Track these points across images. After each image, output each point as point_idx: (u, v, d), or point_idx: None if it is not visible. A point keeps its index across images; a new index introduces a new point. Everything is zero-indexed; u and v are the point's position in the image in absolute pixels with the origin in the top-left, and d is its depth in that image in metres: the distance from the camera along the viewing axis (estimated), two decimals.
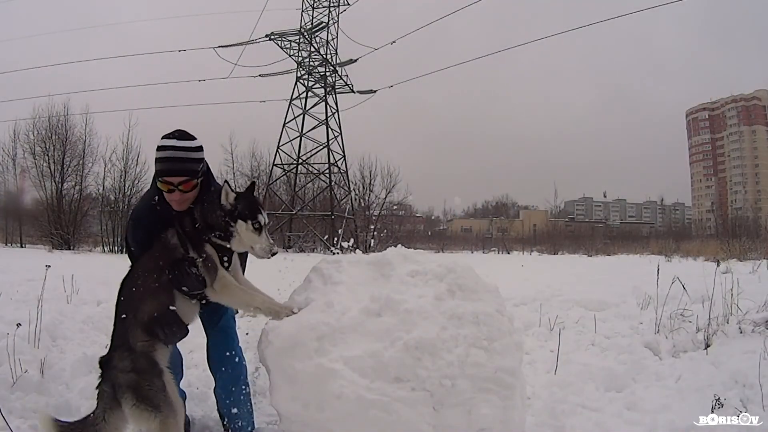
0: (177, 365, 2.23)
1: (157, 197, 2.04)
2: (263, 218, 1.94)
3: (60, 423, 1.84)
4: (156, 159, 1.95)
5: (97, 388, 1.90)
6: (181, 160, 1.93)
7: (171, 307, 1.89)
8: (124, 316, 1.90)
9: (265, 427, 2.46)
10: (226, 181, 1.95)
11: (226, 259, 1.99)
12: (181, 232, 1.95)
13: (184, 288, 1.90)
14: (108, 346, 1.96)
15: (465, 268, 2.04)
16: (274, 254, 1.95)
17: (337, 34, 27.97)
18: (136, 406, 1.82)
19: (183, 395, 2.32)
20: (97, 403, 1.87)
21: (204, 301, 1.98)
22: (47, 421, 1.82)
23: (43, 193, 19.41)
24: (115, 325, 1.94)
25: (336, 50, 28.05)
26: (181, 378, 2.28)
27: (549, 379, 2.88)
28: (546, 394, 2.73)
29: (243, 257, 2.16)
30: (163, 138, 1.98)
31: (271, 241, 1.96)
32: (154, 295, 1.91)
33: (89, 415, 1.89)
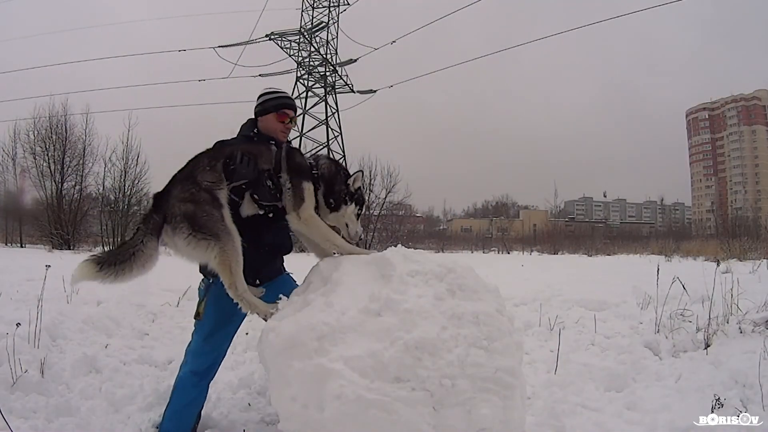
0: (219, 359, 2.30)
1: (255, 130, 2.34)
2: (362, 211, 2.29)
3: (97, 258, 1.84)
4: (273, 98, 2.36)
5: (145, 217, 1.94)
6: (292, 99, 2.43)
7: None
8: (199, 160, 2.02)
9: (264, 427, 2.46)
10: (361, 171, 2.35)
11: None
12: (282, 157, 2.14)
13: (255, 195, 2.07)
14: (167, 184, 2.02)
15: (465, 268, 2.04)
16: (360, 239, 2.30)
17: (337, 33, 27.95)
18: (192, 235, 1.83)
19: (206, 389, 2.35)
20: (138, 229, 1.91)
21: (271, 214, 2.11)
22: (86, 267, 1.82)
23: (43, 193, 19.34)
24: (183, 169, 2.04)
25: (336, 50, 28.04)
26: (214, 374, 2.34)
27: (549, 378, 2.88)
28: (546, 393, 2.73)
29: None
30: (268, 88, 2.43)
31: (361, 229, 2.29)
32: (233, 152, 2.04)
33: (127, 241, 1.89)
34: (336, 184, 2.20)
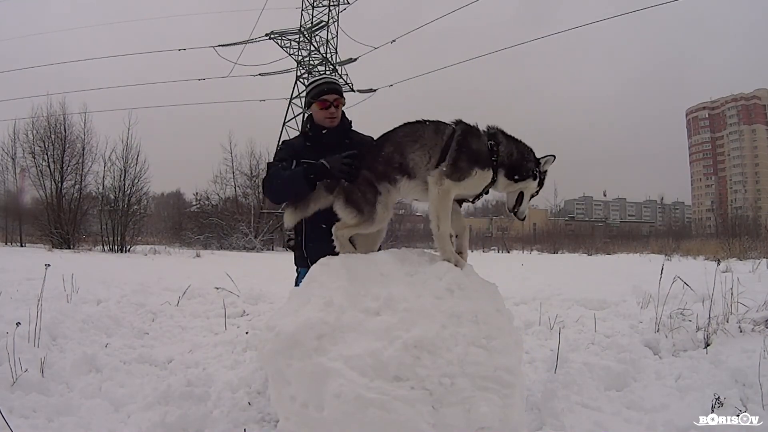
0: None
1: (309, 125, 2.49)
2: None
3: (290, 205, 2.29)
4: (313, 87, 2.49)
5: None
6: (334, 83, 2.52)
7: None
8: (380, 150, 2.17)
9: (264, 427, 2.46)
10: (553, 155, 2.20)
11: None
12: (455, 138, 2.08)
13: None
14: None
15: (464, 266, 2.04)
16: (523, 218, 2.24)
17: (337, 32, 27.98)
18: (345, 205, 2.17)
19: None
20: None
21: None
22: (287, 214, 2.27)
23: (42, 193, 19.35)
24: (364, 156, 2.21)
25: (336, 49, 28.06)
26: None
27: (549, 377, 2.88)
28: (546, 393, 2.73)
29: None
30: (315, 77, 2.56)
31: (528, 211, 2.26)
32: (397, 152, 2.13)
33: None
34: (524, 159, 2.14)
